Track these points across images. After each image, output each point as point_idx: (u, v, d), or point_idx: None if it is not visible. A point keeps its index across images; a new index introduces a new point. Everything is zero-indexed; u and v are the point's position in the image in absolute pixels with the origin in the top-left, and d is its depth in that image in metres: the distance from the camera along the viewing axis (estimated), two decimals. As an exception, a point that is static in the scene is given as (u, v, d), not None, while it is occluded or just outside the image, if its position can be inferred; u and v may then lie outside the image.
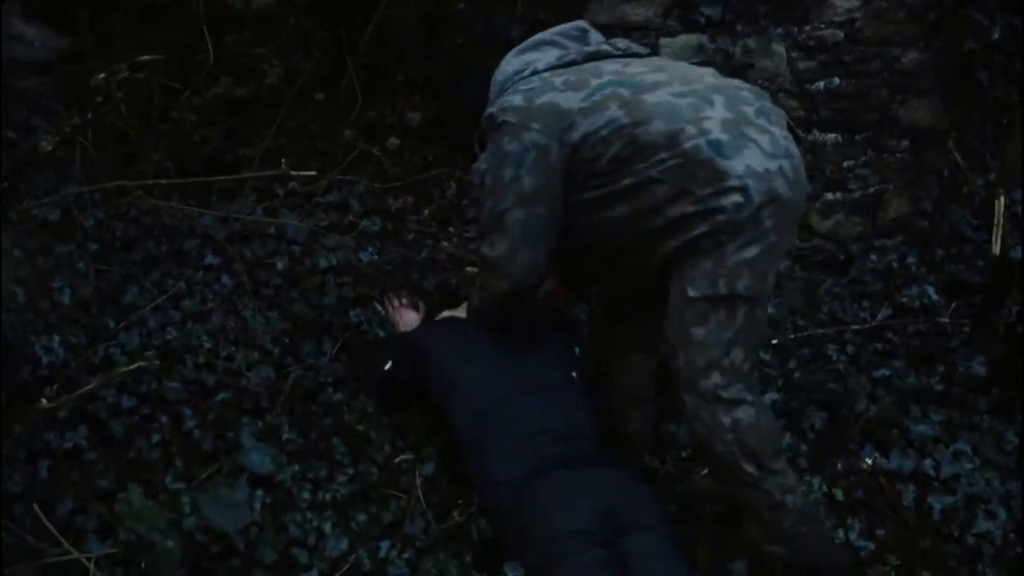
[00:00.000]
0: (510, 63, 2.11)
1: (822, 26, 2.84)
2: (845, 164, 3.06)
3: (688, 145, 1.85)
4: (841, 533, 2.27)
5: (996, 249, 2.61)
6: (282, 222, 2.85)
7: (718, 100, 1.90)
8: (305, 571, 2.00)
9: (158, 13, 2.66)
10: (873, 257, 3.17)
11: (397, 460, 2.30)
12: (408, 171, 3.25)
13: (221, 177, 2.55)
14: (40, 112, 2.23)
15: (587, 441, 2.13)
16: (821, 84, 2.91)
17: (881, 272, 3.16)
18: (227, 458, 2.16)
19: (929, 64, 3.01)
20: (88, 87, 2.39)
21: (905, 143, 3.11)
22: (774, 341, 2.90)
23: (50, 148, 2.11)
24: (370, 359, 2.51)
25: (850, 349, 2.90)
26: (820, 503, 2.31)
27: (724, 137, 1.84)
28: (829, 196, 3.09)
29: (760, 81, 2.83)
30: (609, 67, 2.02)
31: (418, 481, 2.24)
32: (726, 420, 1.91)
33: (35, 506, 1.79)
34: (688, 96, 1.90)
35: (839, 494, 2.37)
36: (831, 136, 3.00)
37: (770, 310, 2.99)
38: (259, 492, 2.10)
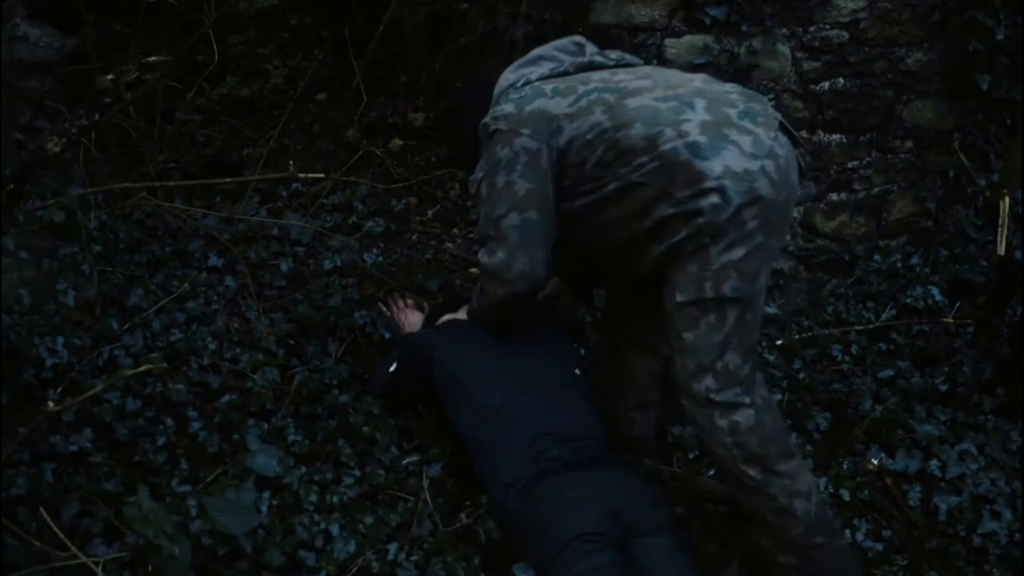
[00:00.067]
0: (507, 77, 2.15)
1: (827, 27, 2.84)
2: (849, 164, 3.06)
3: (666, 147, 1.87)
4: (848, 534, 2.27)
5: (1001, 250, 2.60)
6: (287, 223, 2.84)
7: (699, 103, 1.91)
8: (313, 574, 1.99)
9: (162, 13, 2.65)
10: (877, 257, 3.17)
11: (404, 462, 2.30)
12: (411, 172, 3.24)
13: (228, 180, 2.54)
14: (45, 113, 2.23)
15: (593, 442, 2.12)
16: (826, 85, 2.90)
17: (885, 272, 3.15)
18: (233, 460, 2.15)
19: (933, 65, 3.01)
20: (93, 88, 2.39)
21: (909, 144, 3.11)
22: (779, 342, 2.91)
23: (58, 150, 2.10)
24: (375, 361, 2.51)
25: (855, 349, 2.90)
26: (827, 504, 2.31)
27: (702, 139, 1.86)
28: (833, 197, 3.09)
29: (765, 82, 2.83)
30: (598, 75, 2.06)
31: (425, 483, 2.23)
32: (722, 423, 1.91)
33: (41, 509, 1.78)
34: (670, 100, 1.93)
35: (846, 495, 2.37)
36: (835, 137, 2.99)
37: (774, 310, 3.00)
38: (266, 494, 2.09)
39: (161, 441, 2.16)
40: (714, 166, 1.84)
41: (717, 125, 1.88)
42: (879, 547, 2.25)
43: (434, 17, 3.31)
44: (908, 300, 3.06)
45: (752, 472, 1.92)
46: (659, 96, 1.94)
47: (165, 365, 2.25)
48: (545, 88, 2.05)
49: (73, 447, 2.08)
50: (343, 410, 2.37)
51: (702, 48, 2.72)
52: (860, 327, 2.97)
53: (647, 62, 2.69)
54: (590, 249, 2.12)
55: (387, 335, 2.60)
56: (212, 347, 2.41)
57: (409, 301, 2.72)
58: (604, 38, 2.68)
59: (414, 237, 3.03)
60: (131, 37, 2.59)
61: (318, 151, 3.23)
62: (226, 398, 2.31)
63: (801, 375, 2.78)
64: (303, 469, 2.18)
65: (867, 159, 3.08)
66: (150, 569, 1.77)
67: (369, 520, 2.11)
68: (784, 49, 2.81)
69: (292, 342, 2.53)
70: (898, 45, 2.96)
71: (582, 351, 2.60)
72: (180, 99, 3.16)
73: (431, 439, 2.37)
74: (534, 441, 2.06)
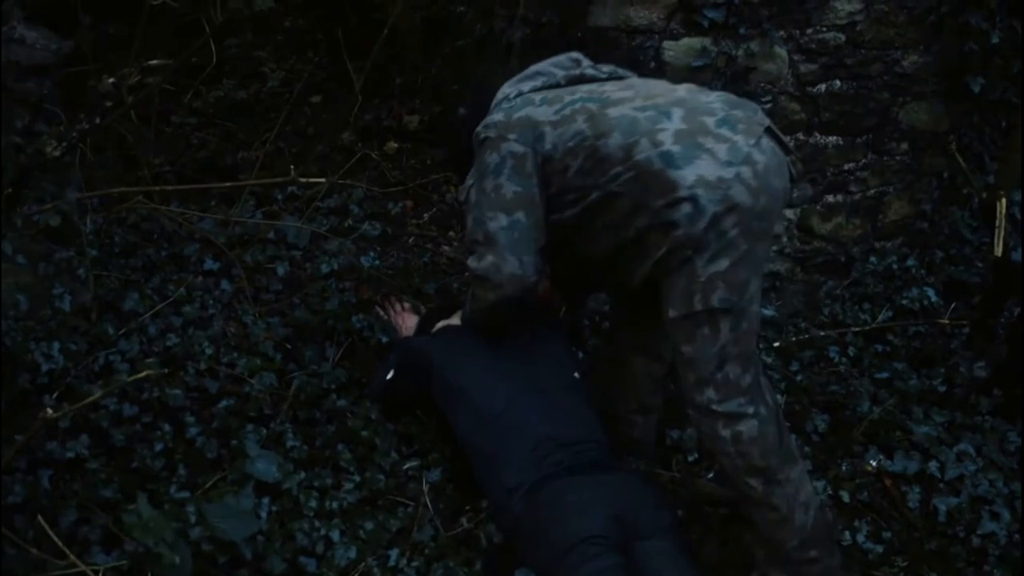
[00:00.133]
0: (503, 90, 2.18)
1: (824, 29, 2.85)
2: (846, 166, 3.07)
3: (640, 157, 1.89)
4: (848, 535, 2.27)
5: (998, 251, 2.62)
6: (282, 224, 2.83)
7: (676, 112, 1.92)
8: (314, 580, 1.98)
9: (159, 16, 2.63)
10: (873, 259, 3.18)
11: (404, 467, 2.29)
12: (406, 175, 3.23)
13: (228, 184, 2.52)
14: (43, 116, 2.21)
15: (595, 445, 2.12)
16: (822, 87, 2.92)
17: (881, 274, 3.17)
18: (232, 466, 2.13)
19: (929, 67, 3.02)
20: (90, 91, 2.37)
21: (905, 146, 3.12)
22: (776, 344, 2.91)
23: (57, 153, 2.08)
24: (373, 365, 2.49)
25: (852, 351, 2.91)
26: (828, 519, 2.31)
27: (675, 148, 1.87)
28: (830, 198, 3.10)
29: (762, 84, 2.83)
30: (586, 87, 2.08)
31: (425, 488, 2.22)
32: (726, 434, 1.93)
33: (39, 517, 1.76)
34: (648, 110, 1.93)
35: (845, 496, 2.38)
36: (832, 138, 3.00)
37: (771, 312, 3.00)
38: (265, 500, 2.08)
39: (159, 447, 2.14)
40: (687, 175, 1.85)
41: (692, 134, 1.88)
42: (879, 548, 2.25)
43: (430, 19, 3.30)
44: (904, 301, 3.07)
45: (754, 484, 1.95)
46: (638, 106, 1.95)
47: (163, 370, 2.23)
48: (534, 98, 2.09)
49: (70, 453, 2.05)
50: (342, 415, 2.36)
51: (700, 51, 2.73)
52: (857, 329, 2.98)
53: (645, 64, 2.70)
54: (587, 260, 2.13)
55: (384, 339, 2.59)
56: (209, 352, 2.39)
57: (406, 304, 2.71)
58: (602, 41, 2.68)
59: (410, 240, 3.02)
60: (130, 39, 2.57)
61: (313, 154, 3.22)
62: (224, 403, 2.29)
63: (799, 377, 2.79)
64: (302, 474, 2.17)
65: (863, 161, 3.09)
66: (150, 576, 1.75)
67: (370, 526, 2.10)
68: (781, 51, 2.82)
69: (289, 346, 2.51)
70: (894, 48, 2.97)
71: (580, 355, 2.60)
72: (176, 102, 3.14)
73: (431, 444, 2.36)
74: (536, 446, 2.05)
